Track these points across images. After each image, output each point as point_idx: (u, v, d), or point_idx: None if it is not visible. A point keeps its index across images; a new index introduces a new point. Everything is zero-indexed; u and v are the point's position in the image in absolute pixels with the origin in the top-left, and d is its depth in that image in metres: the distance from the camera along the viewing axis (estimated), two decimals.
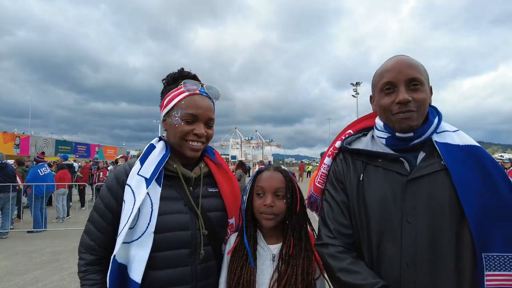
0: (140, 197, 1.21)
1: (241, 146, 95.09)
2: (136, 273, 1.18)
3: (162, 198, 1.28)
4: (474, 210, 1.05)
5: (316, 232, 1.38)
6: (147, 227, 1.21)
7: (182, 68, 1.45)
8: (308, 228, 1.43)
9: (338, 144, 1.38)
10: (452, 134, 1.21)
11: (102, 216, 1.31)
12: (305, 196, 1.50)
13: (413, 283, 1.06)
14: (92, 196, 11.45)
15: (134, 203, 1.21)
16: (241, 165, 8.68)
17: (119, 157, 14.06)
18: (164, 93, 1.44)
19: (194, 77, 1.45)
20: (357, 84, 37.93)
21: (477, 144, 1.18)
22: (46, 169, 9.05)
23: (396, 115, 1.17)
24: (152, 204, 1.24)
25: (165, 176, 1.33)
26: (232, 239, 1.43)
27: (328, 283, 1.28)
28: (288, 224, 1.37)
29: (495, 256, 1.03)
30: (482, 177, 1.09)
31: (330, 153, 1.41)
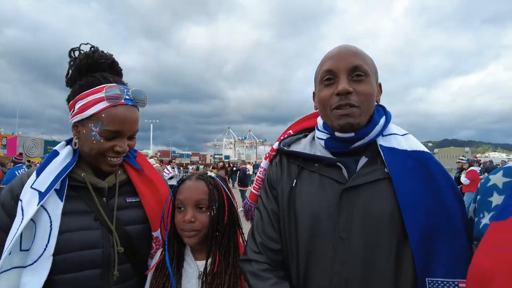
0: (29, 215, 1.01)
1: (234, 146, 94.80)
2: None
3: (66, 213, 1.09)
4: (417, 229, 0.89)
5: (245, 241, 1.22)
6: (45, 249, 1.02)
7: (96, 49, 1.20)
8: (240, 239, 1.26)
9: (275, 145, 1.21)
10: (400, 138, 1.04)
11: None
12: None
13: None
14: None
15: (21, 223, 1.00)
16: (223, 166, 8.45)
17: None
18: (72, 83, 1.19)
19: (113, 64, 1.23)
20: None
21: (426, 150, 1.02)
22: (25, 170, 8.73)
23: (335, 111, 0.99)
24: (51, 222, 1.04)
25: (72, 186, 1.14)
26: (158, 255, 1.24)
27: None
28: (213, 238, 1.19)
29: (439, 282, 0.87)
30: (429, 191, 0.93)
31: (267, 155, 1.24)
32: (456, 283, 0.86)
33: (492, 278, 0.73)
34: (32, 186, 1.07)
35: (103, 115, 1.10)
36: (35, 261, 1.01)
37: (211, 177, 1.25)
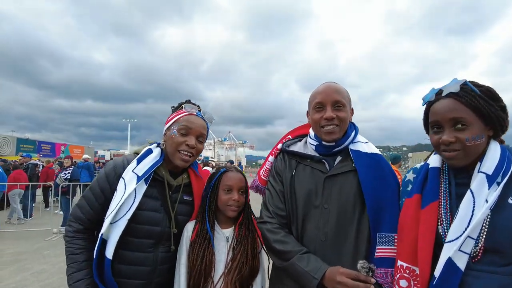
0: (129, 190, 1.46)
1: (214, 147, 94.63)
2: (109, 252, 1.42)
3: (144, 195, 1.52)
4: (371, 201, 1.40)
5: (255, 216, 1.72)
6: (125, 214, 1.45)
7: (189, 100, 1.72)
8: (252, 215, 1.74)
9: (279, 146, 1.71)
10: (363, 145, 1.56)
11: (96, 196, 1.54)
12: None
13: (324, 253, 1.39)
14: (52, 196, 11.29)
15: (123, 194, 1.45)
16: (206, 164, 8.91)
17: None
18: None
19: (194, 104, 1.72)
20: None
21: (379, 152, 1.55)
22: None
23: (323, 128, 1.50)
24: (135, 197, 1.48)
25: (152, 178, 1.57)
26: (190, 226, 1.65)
27: (267, 254, 1.59)
28: (243, 212, 1.68)
29: (384, 235, 1.38)
30: (379, 177, 1.45)
31: (273, 153, 1.74)
32: (393, 236, 1.37)
33: (402, 226, 1.29)
34: (133, 170, 1.51)
35: (181, 118, 1.60)
36: (118, 220, 1.44)
37: (242, 171, 1.75)
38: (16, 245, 6.75)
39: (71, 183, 8.69)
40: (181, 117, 1.61)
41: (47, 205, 11.43)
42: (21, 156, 12.42)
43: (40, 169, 12.13)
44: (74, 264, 1.47)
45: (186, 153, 1.58)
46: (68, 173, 9.14)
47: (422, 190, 1.28)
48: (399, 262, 1.26)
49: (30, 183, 9.68)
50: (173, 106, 1.73)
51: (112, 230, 1.44)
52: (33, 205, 10.47)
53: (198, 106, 1.70)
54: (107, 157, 42.88)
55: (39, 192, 11.64)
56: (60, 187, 8.72)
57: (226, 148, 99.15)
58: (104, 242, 1.44)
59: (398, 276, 1.25)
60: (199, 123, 1.62)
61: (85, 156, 12.68)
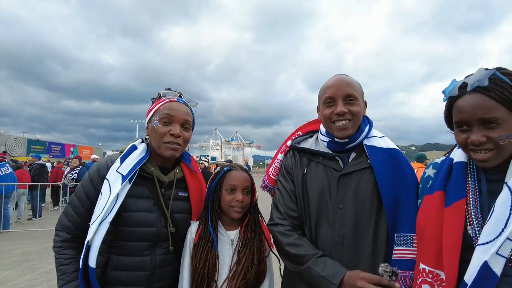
0: (114, 192, 1.36)
1: (221, 147, 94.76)
2: (91, 260, 1.31)
3: (133, 196, 1.43)
4: (389, 200, 1.30)
5: (263, 217, 1.64)
6: (106, 217, 1.35)
7: (169, 88, 1.62)
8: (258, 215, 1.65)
9: (289, 143, 1.61)
10: (379, 139, 1.46)
11: (82, 202, 1.45)
12: None
13: (341, 256, 1.30)
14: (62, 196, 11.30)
15: (109, 197, 1.35)
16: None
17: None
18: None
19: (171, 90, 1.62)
20: None
21: (396, 147, 1.44)
22: (7, 168, 8.58)
23: (334, 124, 1.40)
24: (117, 198, 1.38)
25: (141, 176, 1.48)
26: (193, 228, 1.57)
27: (277, 257, 1.51)
28: (249, 214, 1.59)
29: (402, 235, 1.29)
30: (396, 174, 1.35)
31: (282, 150, 1.64)
32: (412, 236, 1.28)
33: (423, 229, 1.18)
34: (117, 170, 1.41)
35: (161, 107, 1.50)
36: (100, 223, 1.32)
37: (248, 170, 1.66)
38: (25, 244, 6.77)
39: (78, 183, 8.71)
40: (161, 105, 1.50)
41: (55, 204, 11.50)
42: (31, 156, 12.52)
43: (49, 170, 12.20)
44: (63, 276, 1.38)
45: (172, 144, 1.48)
46: (75, 173, 9.16)
47: (445, 187, 1.18)
48: (421, 266, 1.17)
49: (32, 183, 9.64)
50: (153, 98, 1.62)
51: (95, 235, 1.33)
52: (43, 205, 10.55)
53: (179, 92, 1.59)
54: None
55: (48, 192, 11.73)
56: (68, 187, 8.77)
57: (233, 148, 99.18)
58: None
59: (420, 280, 1.17)
60: (181, 109, 1.52)
61: (94, 156, 12.79)
